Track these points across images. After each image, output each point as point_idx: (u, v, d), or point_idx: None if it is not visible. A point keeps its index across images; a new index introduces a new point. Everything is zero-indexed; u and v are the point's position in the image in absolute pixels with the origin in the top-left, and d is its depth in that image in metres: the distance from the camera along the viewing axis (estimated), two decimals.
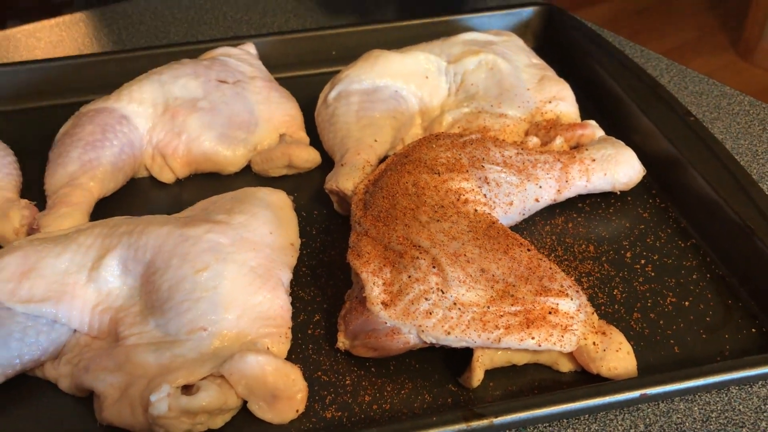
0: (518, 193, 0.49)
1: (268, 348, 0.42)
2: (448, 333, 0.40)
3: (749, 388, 0.42)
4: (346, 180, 0.50)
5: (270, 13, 0.81)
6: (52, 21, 0.79)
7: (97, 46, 0.76)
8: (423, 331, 0.40)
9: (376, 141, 0.54)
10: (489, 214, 0.46)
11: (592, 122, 0.54)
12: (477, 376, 0.41)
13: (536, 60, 0.60)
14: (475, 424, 0.37)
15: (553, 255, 0.49)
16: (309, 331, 0.45)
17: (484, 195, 0.48)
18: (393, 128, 0.55)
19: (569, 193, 0.51)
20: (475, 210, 0.46)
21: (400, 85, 0.57)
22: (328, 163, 0.56)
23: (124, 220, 0.47)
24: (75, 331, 0.44)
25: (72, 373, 0.42)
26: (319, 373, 0.43)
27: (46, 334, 0.43)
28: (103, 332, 0.44)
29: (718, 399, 0.41)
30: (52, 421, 0.41)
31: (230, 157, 0.56)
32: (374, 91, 0.57)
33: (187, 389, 0.39)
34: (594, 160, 0.51)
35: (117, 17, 0.81)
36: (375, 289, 0.41)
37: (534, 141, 0.52)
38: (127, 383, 0.40)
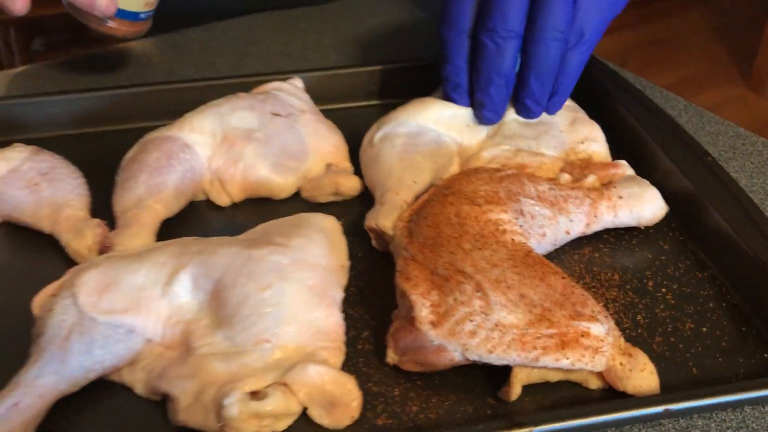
0: (551, 225, 0.54)
1: (325, 360, 0.46)
2: (491, 352, 0.44)
3: (762, 408, 0.46)
4: (385, 219, 0.55)
5: (311, 48, 0.86)
6: (106, 50, 0.84)
7: (149, 76, 0.81)
8: (467, 349, 0.45)
9: (414, 182, 0.58)
10: (525, 243, 0.51)
11: (624, 162, 0.59)
12: (515, 391, 0.45)
13: (568, 102, 0.64)
14: None
15: (582, 282, 0.54)
16: (359, 346, 0.50)
17: (520, 226, 0.52)
18: (432, 170, 0.59)
19: (597, 227, 0.56)
20: (513, 239, 0.50)
21: (442, 131, 0.61)
22: (370, 193, 0.61)
23: (194, 241, 0.51)
24: (149, 340, 0.48)
25: (147, 379, 0.47)
26: (370, 384, 0.47)
27: (123, 343, 0.47)
28: (175, 342, 0.48)
29: (733, 417, 0.45)
30: (128, 421, 0.46)
31: (282, 184, 0.61)
32: (417, 134, 0.61)
33: (254, 395, 0.44)
34: (621, 197, 0.55)
35: (166, 47, 0.86)
36: (423, 310, 0.46)
37: (566, 178, 0.56)
38: (200, 389, 0.45)
